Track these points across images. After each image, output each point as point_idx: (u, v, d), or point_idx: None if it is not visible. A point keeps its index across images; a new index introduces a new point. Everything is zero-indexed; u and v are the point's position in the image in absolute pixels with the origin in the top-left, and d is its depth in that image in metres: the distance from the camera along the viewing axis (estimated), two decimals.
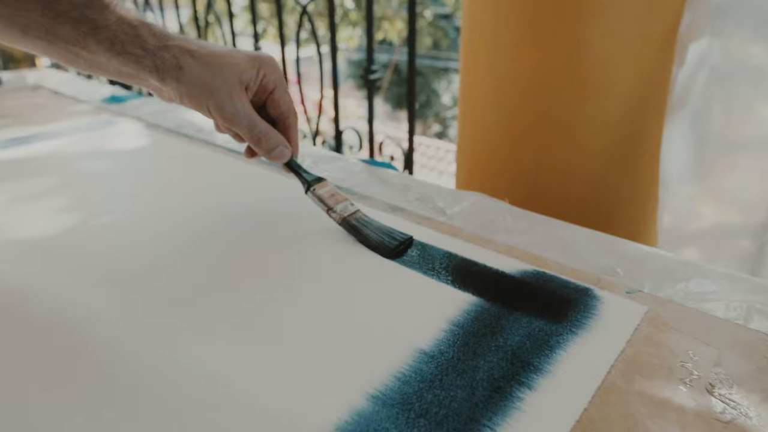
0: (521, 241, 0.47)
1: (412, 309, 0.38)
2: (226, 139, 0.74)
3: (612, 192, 0.69)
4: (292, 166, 0.49)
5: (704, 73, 0.62)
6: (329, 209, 0.47)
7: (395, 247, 0.45)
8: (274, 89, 0.47)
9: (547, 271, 0.43)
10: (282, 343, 0.35)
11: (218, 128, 0.50)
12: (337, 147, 1.23)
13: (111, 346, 0.35)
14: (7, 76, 1.22)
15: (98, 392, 0.31)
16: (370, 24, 1.03)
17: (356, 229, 0.46)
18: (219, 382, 0.32)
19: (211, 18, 1.48)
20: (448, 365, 0.33)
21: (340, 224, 0.47)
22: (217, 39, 1.52)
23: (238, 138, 0.49)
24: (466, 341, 0.35)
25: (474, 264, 0.44)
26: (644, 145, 0.68)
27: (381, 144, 1.18)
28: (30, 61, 2.06)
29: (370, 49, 1.07)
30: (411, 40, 1.00)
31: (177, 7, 1.69)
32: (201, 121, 0.83)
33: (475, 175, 0.79)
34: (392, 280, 0.42)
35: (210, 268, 0.44)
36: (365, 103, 1.13)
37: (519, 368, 0.33)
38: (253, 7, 1.36)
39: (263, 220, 0.52)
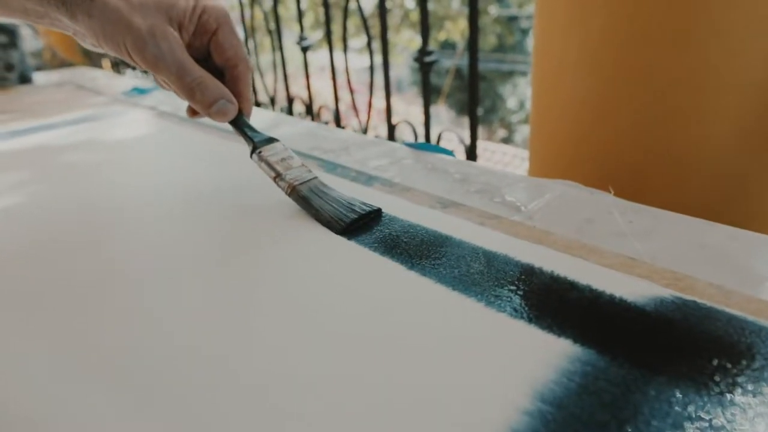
0: (646, 251, 0.30)
1: (468, 369, 0.22)
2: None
3: (752, 186, 0.50)
4: (239, 126, 0.39)
5: None
6: (277, 176, 0.38)
7: (352, 222, 0.35)
8: (218, 29, 0.38)
9: (698, 300, 0.25)
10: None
11: (158, 82, 0.39)
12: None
13: None
14: (41, 75, 1.16)
15: None
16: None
17: (307, 200, 0.37)
18: None
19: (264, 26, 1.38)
20: None
21: (288, 195, 0.38)
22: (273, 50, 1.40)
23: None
24: None
25: (572, 286, 0.27)
26: None
27: (439, 136, 1.02)
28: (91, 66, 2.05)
29: (425, 28, 0.92)
30: (473, 19, 0.83)
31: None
32: None
33: (552, 160, 0.61)
34: (430, 313, 0.26)
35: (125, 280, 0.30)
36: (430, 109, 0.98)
37: None
38: (299, 13, 1.24)
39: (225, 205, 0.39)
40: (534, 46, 0.62)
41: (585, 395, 0.20)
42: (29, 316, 0.28)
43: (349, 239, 0.33)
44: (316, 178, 0.39)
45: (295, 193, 0.37)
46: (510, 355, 0.23)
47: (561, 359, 0.22)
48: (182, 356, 0.24)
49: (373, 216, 0.36)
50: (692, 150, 0.50)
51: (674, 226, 0.33)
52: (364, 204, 0.37)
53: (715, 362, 0.22)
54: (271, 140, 0.39)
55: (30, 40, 2.25)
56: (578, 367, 0.22)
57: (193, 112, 0.41)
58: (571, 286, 0.27)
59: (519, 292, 0.27)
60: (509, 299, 0.26)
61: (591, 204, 0.37)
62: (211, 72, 0.37)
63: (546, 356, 0.22)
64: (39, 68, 1.93)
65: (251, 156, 0.39)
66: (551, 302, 0.26)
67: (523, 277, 0.28)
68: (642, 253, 0.30)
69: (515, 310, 0.26)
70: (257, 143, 0.39)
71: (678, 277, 0.27)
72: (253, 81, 0.41)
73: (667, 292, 0.26)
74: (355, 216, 0.35)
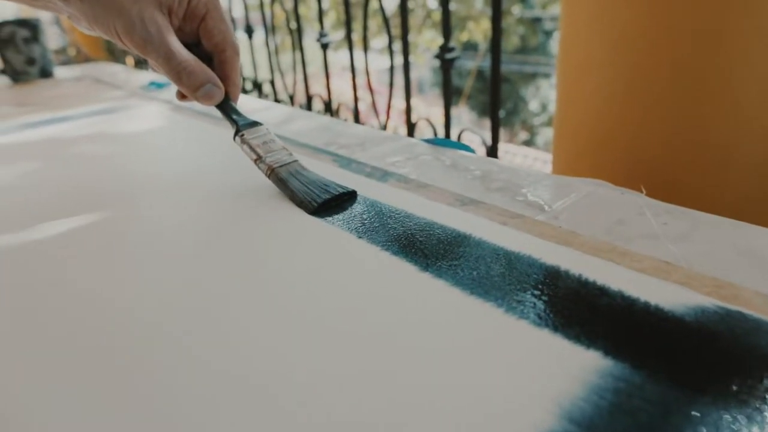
0: (682, 255, 0.28)
1: (485, 383, 0.20)
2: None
3: None
4: (225, 109, 0.40)
5: None
6: (258, 158, 0.38)
7: (324, 202, 0.35)
8: (206, 14, 0.38)
9: (744, 309, 0.23)
10: None
11: (151, 66, 0.40)
12: None
13: None
14: (61, 70, 1.16)
15: None
16: None
17: (284, 182, 0.37)
18: None
19: (288, 26, 1.36)
20: None
21: (268, 177, 0.38)
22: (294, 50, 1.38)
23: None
24: None
25: (603, 292, 0.25)
26: None
27: (459, 136, 1.00)
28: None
29: (446, 24, 0.89)
30: (496, 19, 0.81)
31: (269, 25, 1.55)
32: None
33: (576, 159, 0.59)
34: (444, 319, 0.24)
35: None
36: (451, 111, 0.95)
37: None
38: (320, 12, 1.23)
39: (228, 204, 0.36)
40: (560, 42, 0.59)
41: (618, 415, 0.18)
42: (21, 309, 0.27)
43: (359, 237, 0.32)
44: (296, 161, 0.39)
45: (274, 175, 0.38)
46: (533, 367, 0.21)
47: (590, 374, 0.20)
48: (170, 346, 0.22)
49: (347, 197, 0.37)
50: (728, 146, 0.47)
51: (713, 228, 0.30)
52: (339, 186, 0.37)
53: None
54: (254, 124, 0.40)
55: (55, 37, 2.29)
56: (610, 383, 0.19)
57: (182, 96, 0.41)
58: (601, 292, 0.25)
59: (543, 298, 0.25)
60: (532, 305, 0.24)
61: (621, 204, 0.34)
62: (200, 57, 0.38)
63: (574, 370, 0.20)
64: (64, 64, 1.95)
65: (234, 138, 0.39)
66: (579, 309, 0.24)
67: (547, 280, 0.26)
68: (678, 257, 0.27)
69: (539, 317, 0.23)
70: (240, 126, 0.39)
71: (719, 284, 0.25)
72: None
73: (708, 301, 0.24)
74: (328, 196, 0.36)
